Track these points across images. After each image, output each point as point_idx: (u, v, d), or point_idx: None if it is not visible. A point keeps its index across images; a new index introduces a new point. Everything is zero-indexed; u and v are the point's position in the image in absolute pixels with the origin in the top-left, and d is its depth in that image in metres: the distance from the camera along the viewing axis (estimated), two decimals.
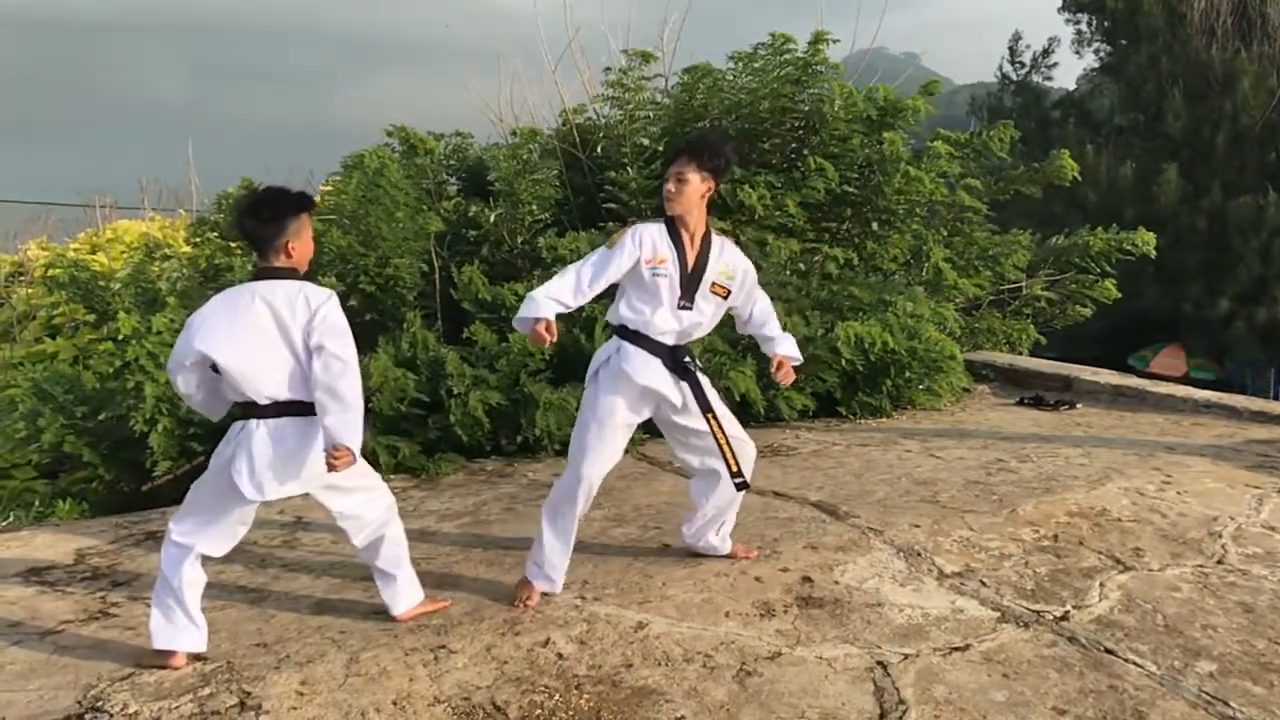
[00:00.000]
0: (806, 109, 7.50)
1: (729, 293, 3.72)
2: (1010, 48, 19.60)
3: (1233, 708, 2.91)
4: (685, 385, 3.66)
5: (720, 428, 3.69)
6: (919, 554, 4.04)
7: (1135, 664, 3.18)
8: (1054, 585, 3.79)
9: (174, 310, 5.70)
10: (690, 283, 3.64)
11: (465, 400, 5.65)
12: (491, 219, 6.90)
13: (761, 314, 3.87)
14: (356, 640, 3.25)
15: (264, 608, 3.60)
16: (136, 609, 3.61)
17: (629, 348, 3.62)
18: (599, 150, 7.81)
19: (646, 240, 3.60)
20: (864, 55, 9.59)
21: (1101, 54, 19.02)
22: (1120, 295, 8.96)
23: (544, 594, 3.60)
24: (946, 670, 3.12)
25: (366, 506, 3.35)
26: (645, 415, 3.70)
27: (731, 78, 7.59)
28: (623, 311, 3.65)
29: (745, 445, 3.81)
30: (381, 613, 3.49)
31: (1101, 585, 3.79)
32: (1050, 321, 9.17)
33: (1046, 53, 19.44)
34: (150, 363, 5.46)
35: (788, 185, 7.19)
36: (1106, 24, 18.39)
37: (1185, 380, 13.10)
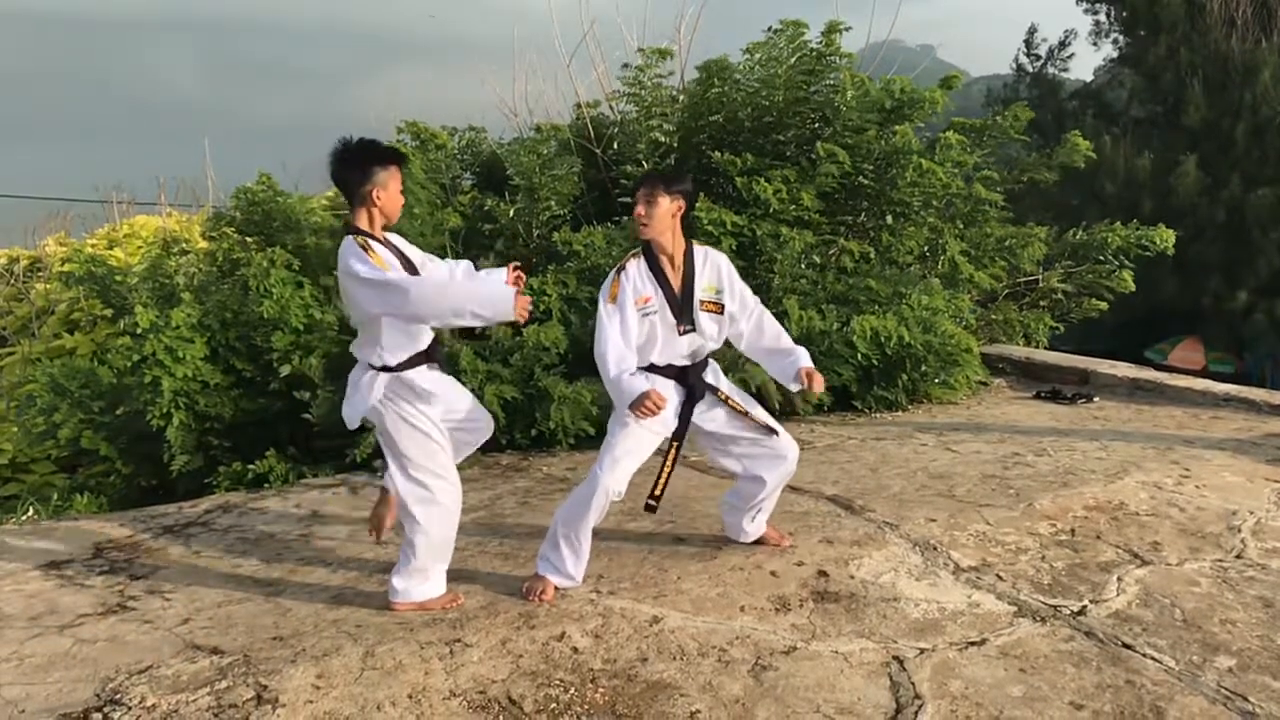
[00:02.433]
0: (820, 100, 7.47)
1: (722, 307, 3.70)
2: (1026, 40, 19.48)
3: (1252, 703, 2.89)
4: (685, 416, 3.67)
5: (672, 461, 3.70)
6: (935, 548, 4.03)
7: (1153, 659, 3.16)
8: (1071, 580, 3.77)
9: (190, 305, 5.73)
10: (684, 306, 3.63)
11: (480, 394, 5.64)
12: (510, 213, 6.90)
13: (771, 324, 3.78)
14: (372, 634, 3.26)
15: (280, 601, 3.62)
16: (154, 602, 3.64)
17: (640, 377, 3.62)
18: (615, 146, 7.79)
19: (631, 281, 3.59)
20: (880, 47, 9.54)
21: (1120, 45, 18.88)
22: (1137, 287, 8.89)
23: (558, 588, 3.60)
24: (963, 665, 3.11)
25: (410, 499, 3.43)
26: (674, 426, 3.69)
27: (746, 69, 7.56)
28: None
29: (782, 439, 3.79)
30: None
31: (1119, 580, 3.76)
32: (1067, 314, 9.12)
33: (1063, 44, 19.32)
34: (167, 357, 5.48)
35: (802, 178, 7.17)
36: (1125, 14, 18.24)
37: (1204, 373, 12.98)
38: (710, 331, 3.70)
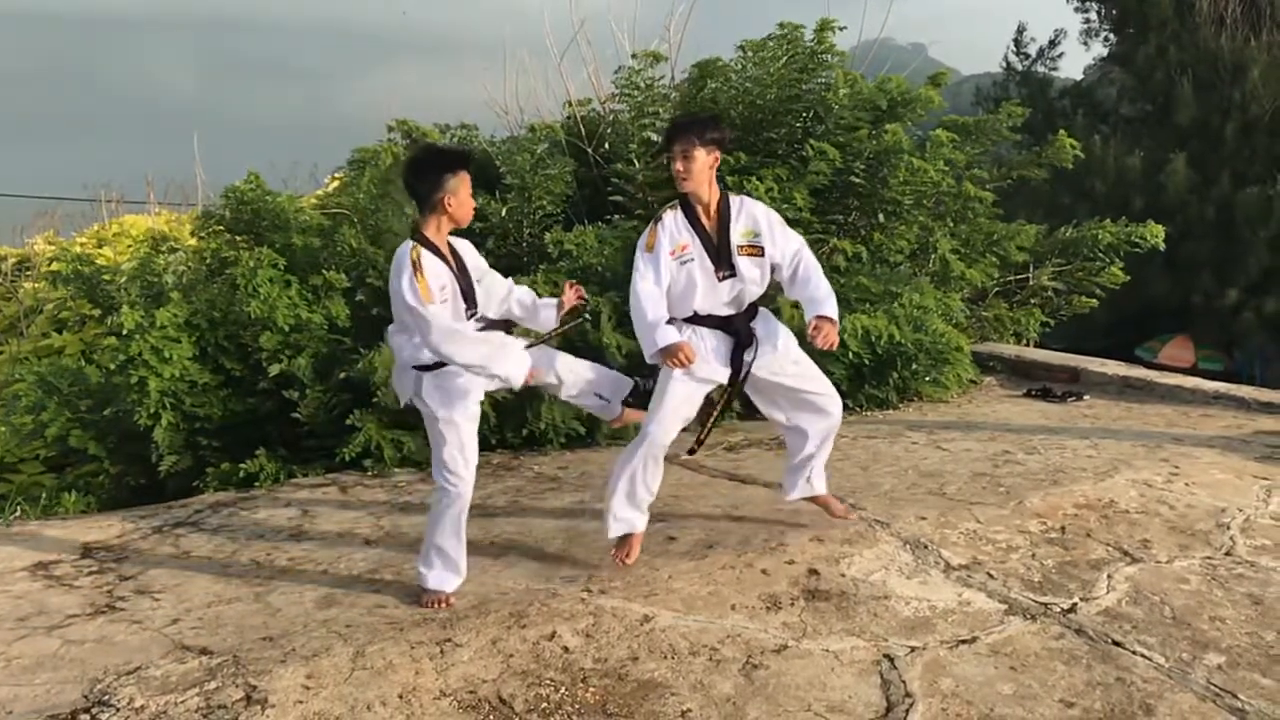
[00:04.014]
0: (813, 98, 7.47)
1: (762, 250, 3.74)
2: (1015, 39, 19.50)
3: (1241, 700, 2.90)
4: (736, 365, 3.76)
5: (723, 407, 3.90)
6: (926, 546, 4.03)
7: (1143, 656, 3.16)
8: (1061, 577, 3.78)
9: (178, 305, 5.70)
10: (721, 252, 3.69)
11: None
12: (502, 212, 6.88)
13: (805, 271, 3.80)
14: (362, 634, 3.25)
15: (270, 601, 3.61)
16: (143, 602, 3.62)
17: (687, 330, 3.73)
18: (606, 145, 7.78)
19: (668, 230, 3.68)
20: (872, 45, 9.54)
21: (1109, 43, 18.91)
22: (1128, 280, 8.91)
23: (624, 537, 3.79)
24: (953, 663, 3.11)
25: (436, 469, 3.58)
26: (726, 374, 3.77)
27: (739, 67, 7.57)
28: (674, 302, 3.72)
29: (824, 394, 3.92)
30: (386, 607, 3.50)
31: (1109, 577, 3.77)
32: (1058, 312, 9.13)
33: (1053, 43, 19.34)
34: (153, 357, 5.45)
35: (794, 176, 7.17)
36: (1114, 13, 18.27)
37: (1193, 371, 13.03)
38: (752, 275, 3.75)
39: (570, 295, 3.94)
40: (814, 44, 7.43)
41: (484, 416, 5.60)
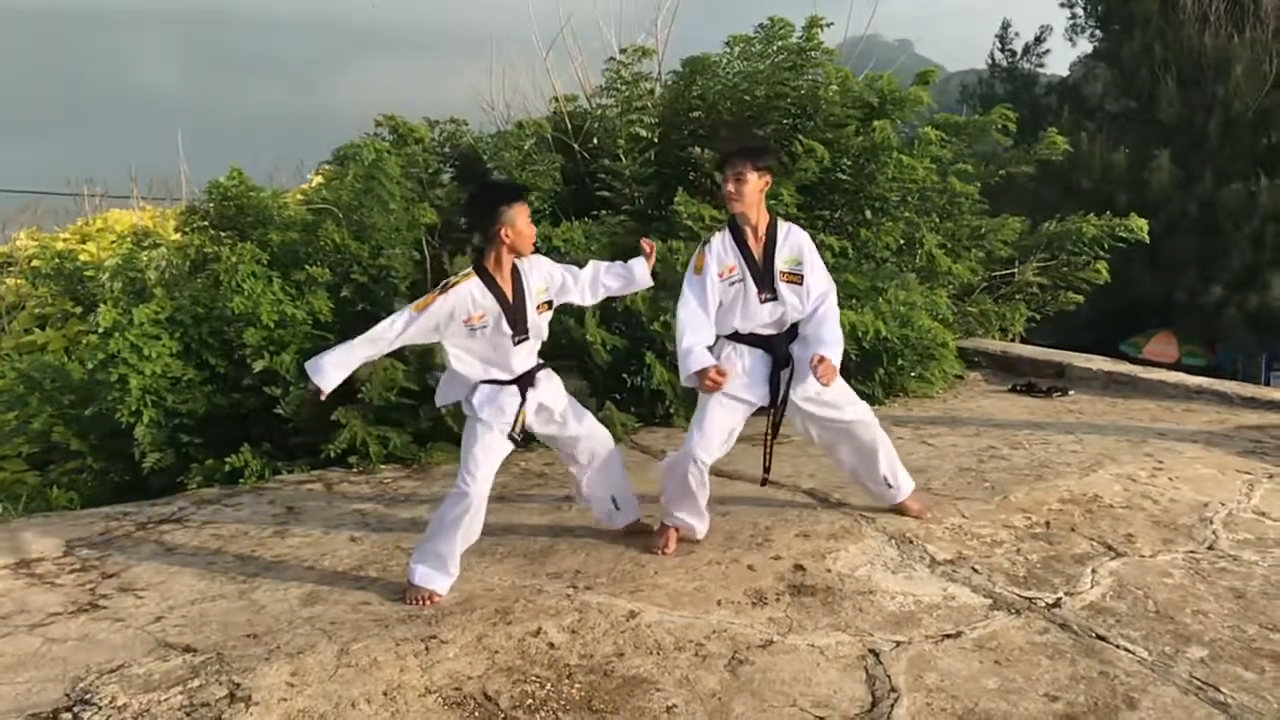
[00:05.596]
0: (802, 94, 7.47)
1: (802, 278, 3.84)
2: (999, 35, 19.59)
3: (1224, 693, 2.92)
4: (775, 385, 3.86)
5: (772, 430, 3.98)
6: (911, 541, 4.04)
7: (1126, 650, 3.18)
8: (1046, 572, 3.79)
9: (160, 301, 5.65)
10: (765, 275, 3.80)
11: None
12: None
13: (824, 313, 3.86)
14: (347, 631, 3.24)
15: (254, 598, 3.59)
16: (126, 600, 3.60)
17: (727, 348, 3.86)
18: (594, 140, 7.76)
19: (715, 253, 3.80)
20: (858, 42, 9.54)
21: (1095, 39, 19.00)
22: (1112, 281, 8.94)
23: (681, 539, 3.93)
24: (938, 657, 3.12)
25: (458, 474, 3.61)
26: (760, 394, 3.87)
27: (726, 63, 7.56)
28: (716, 320, 3.83)
29: (849, 414, 3.98)
30: (371, 604, 3.49)
31: (1093, 572, 3.79)
32: (1043, 307, 9.15)
33: (1039, 40, 19.42)
34: (133, 355, 5.39)
35: (781, 173, 7.16)
36: (1100, 10, 18.37)
37: (1177, 366, 13.11)
38: (792, 301, 3.86)
39: (646, 247, 4.04)
40: (802, 41, 7.43)
41: None
